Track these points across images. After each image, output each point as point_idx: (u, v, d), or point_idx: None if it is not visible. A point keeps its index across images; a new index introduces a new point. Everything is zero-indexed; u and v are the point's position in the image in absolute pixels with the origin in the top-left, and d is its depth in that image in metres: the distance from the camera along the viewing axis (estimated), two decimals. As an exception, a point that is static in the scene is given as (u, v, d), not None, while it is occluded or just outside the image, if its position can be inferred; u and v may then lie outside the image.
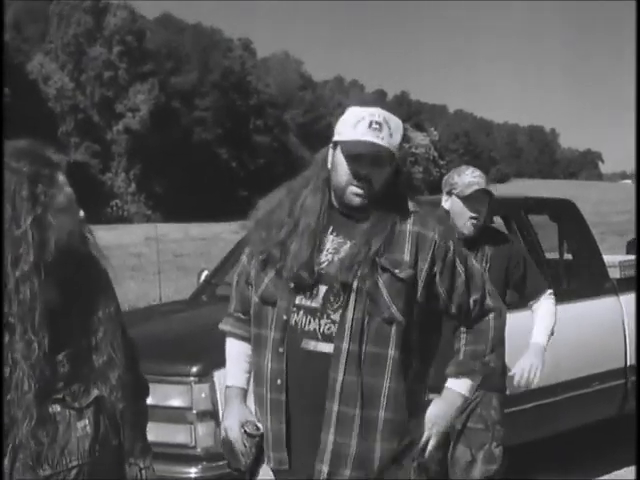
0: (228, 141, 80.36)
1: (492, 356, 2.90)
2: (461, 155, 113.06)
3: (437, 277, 2.78)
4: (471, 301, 2.84)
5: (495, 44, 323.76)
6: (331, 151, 2.81)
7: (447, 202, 4.48)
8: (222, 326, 3.05)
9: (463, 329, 2.89)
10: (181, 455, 4.77)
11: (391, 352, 2.72)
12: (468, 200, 4.40)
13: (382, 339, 2.71)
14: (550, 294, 4.72)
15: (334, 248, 2.76)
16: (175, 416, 4.82)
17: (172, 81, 79.73)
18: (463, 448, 4.51)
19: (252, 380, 2.89)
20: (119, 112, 75.76)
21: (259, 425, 2.81)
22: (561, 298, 6.22)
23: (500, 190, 5.01)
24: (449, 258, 2.79)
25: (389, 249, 2.73)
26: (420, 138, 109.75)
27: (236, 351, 2.99)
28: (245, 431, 2.80)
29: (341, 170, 2.75)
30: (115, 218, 58.67)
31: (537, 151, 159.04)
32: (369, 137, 2.71)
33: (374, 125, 2.72)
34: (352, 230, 2.76)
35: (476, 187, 4.39)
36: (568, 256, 6.87)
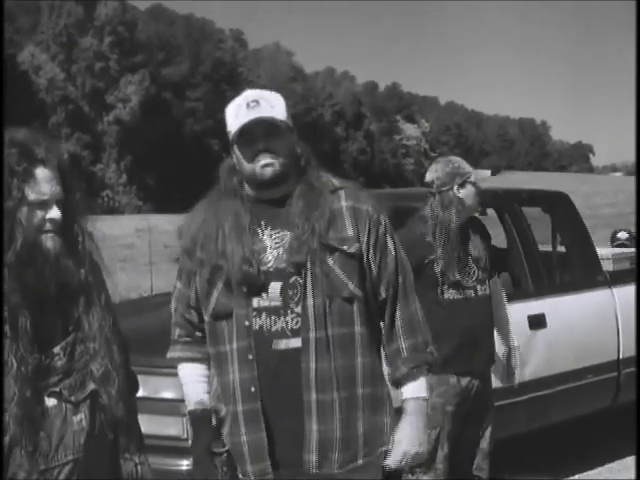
0: (219, 132, 79.23)
1: (432, 346, 2.85)
2: (452, 147, 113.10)
3: (370, 251, 2.76)
4: (399, 282, 2.81)
5: (486, 36, 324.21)
6: (232, 154, 2.82)
7: (462, 191, 4.65)
8: (170, 354, 2.98)
9: (394, 328, 2.81)
10: (173, 447, 4.74)
11: (357, 329, 2.73)
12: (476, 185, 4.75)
13: (346, 319, 2.71)
14: (501, 286, 4.97)
15: (276, 243, 2.74)
16: (167, 408, 4.79)
17: (163, 72, 79.55)
18: (472, 428, 4.65)
19: (218, 400, 2.83)
20: (110, 103, 75.53)
21: (224, 441, 2.76)
22: (554, 290, 6.27)
23: (492, 182, 5.00)
24: (381, 232, 2.79)
25: (331, 228, 2.72)
26: (411, 130, 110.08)
27: (190, 373, 2.92)
28: (213, 451, 2.75)
29: (243, 158, 2.75)
30: (106, 209, 58.46)
31: (528, 143, 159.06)
32: (251, 115, 2.73)
33: (251, 104, 2.75)
34: (286, 218, 2.74)
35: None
36: (561, 248, 6.87)
